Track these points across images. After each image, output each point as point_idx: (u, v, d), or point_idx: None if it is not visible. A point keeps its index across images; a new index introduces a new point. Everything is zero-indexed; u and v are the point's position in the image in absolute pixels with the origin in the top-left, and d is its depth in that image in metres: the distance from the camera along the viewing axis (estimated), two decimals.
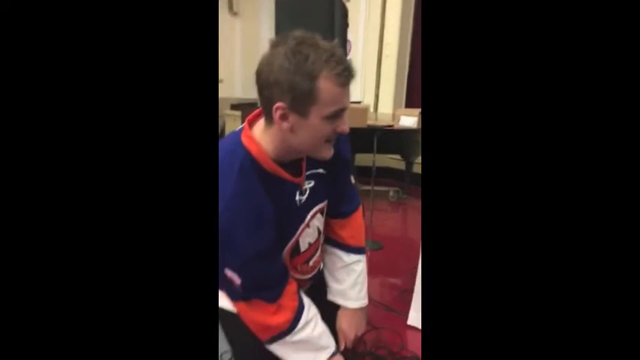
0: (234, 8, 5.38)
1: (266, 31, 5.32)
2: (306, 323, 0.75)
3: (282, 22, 1.73)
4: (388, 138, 2.82)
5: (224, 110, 5.16)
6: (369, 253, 2.33)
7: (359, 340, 1.46)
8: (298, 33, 0.59)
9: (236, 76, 5.71)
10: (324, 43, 0.60)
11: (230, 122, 4.85)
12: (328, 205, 0.83)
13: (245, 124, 0.70)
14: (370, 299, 1.74)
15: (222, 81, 5.55)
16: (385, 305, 1.74)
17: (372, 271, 2.11)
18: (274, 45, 0.59)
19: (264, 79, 0.60)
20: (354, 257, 0.87)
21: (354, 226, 0.88)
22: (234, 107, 5.04)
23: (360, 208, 0.91)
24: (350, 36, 3.43)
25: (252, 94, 5.49)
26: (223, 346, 1.30)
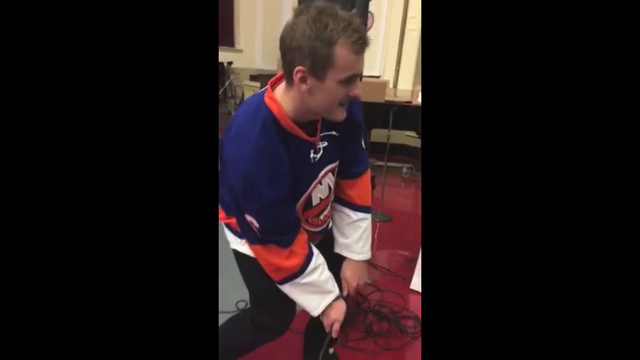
0: None
1: (288, 3, 5.25)
2: (314, 269, 0.85)
3: None
4: (405, 114, 2.83)
5: (243, 81, 5.21)
6: (378, 224, 2.42)
7: (362, 297, 1.58)
8: (319, 3, 0.65)
9: (256, 47, 5.71)
10: (342, 13, 0.66)
11: (249, 93, 4.91)
12: (339, 166, 0.91)
13: (268, 86, 0.78)
14: (377, 265, 1.86)
15: (242, 51, 5.57)
16: (390, 271, 1.85)
17: (381, 241, 2.22)
18: (297, 13, 0.66)
19: (287, 44, 0.67)
20: (360, 215, 0.96)
21: (362, 187, 0.96)
22: (253, 78, 5.09)
23: (369, 171, 0.98)
24: (372, 8, 3.38)
25: (271, 65, 5.49)
26: (239, 295, 1.44)
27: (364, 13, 1.60)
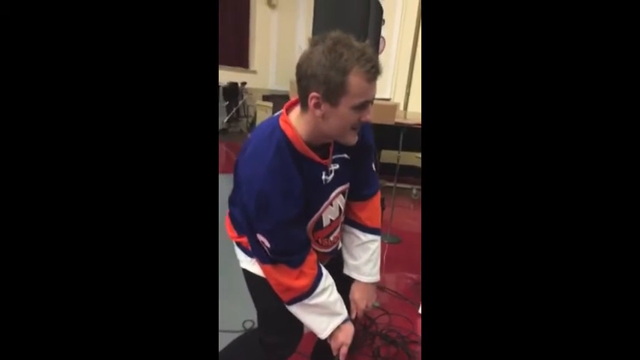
0: (273, 1, 5.52)
1: (302, 25, 5.43)
2: (323, 290, 0.85)
3: (320, 18, 1.81)
4: (415, 136, 2.85)
5: (256, 101, 5.34)
6: (387, 246, 2.40)
7: (370, 321, 1.55)
8: (335, 34, 0.69)
9: (270, 68, 5.87)
10: (356, 43, 0.69)
11: (261, 113, 5.01)
12: (350, 188, 0.92)
13: (283, 110, 0.81)
14: (385, 288, 1.84)
15: (256, 72, 5.74)
16: (399, 294, 1.82)
17: (390, 263, 2.20)
18: (314, 43, 0.70)
19: (303, 72, 0.71)
20: (369, 237, 0.97)
21: (372, 209, 0.97)
22: (265, 98, 5.21)
23: (379, 193, 1.00)
24: (384, 33, 3.47)
25: (284, 86, 5.62)
26: (246, 314, 1.43)
27: (377, 39, 1.65)
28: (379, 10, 1.86)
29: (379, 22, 1.95)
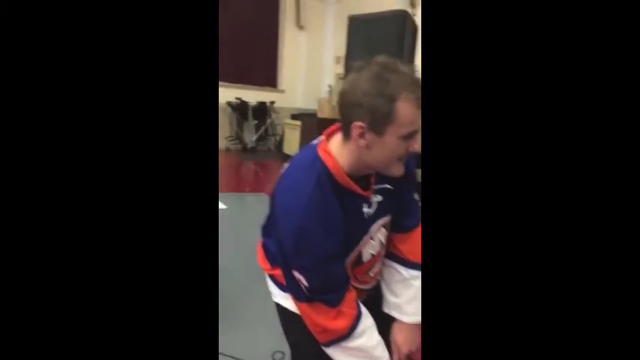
0: (301, 22, 5.65)
1: (330, 45, 5.49)
2: (363, 332, 0.78)
3: (354, 39, 1.79)
4: None
5: (284, 119, 5.40)
6: None
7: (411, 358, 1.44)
8: (381, 59, 0.65)
9: (298, 87, 5.95)
10: (404, 68, 0.64)
11: (289, 131, 5.05)
12: (391, 219, 0.86)
13: (323, 137, 0.77)
14: None
15: (284, 91, 5.83)
16: None
17: None
18: (358, 69, 0.65)
19: (346, 100, 0.66)
20: (412, 272, 0.88)
21: (414, 241, 0.89)
22: (294, 117, 5.26)
23: (421, 225, 0.92)
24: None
25: (312, 105, 5.65)
26: (276, 345, 1.37)
27: (412, 58, 1.61)
28: (414, 29, 1.81)
29: (414, 40, 1.90)
